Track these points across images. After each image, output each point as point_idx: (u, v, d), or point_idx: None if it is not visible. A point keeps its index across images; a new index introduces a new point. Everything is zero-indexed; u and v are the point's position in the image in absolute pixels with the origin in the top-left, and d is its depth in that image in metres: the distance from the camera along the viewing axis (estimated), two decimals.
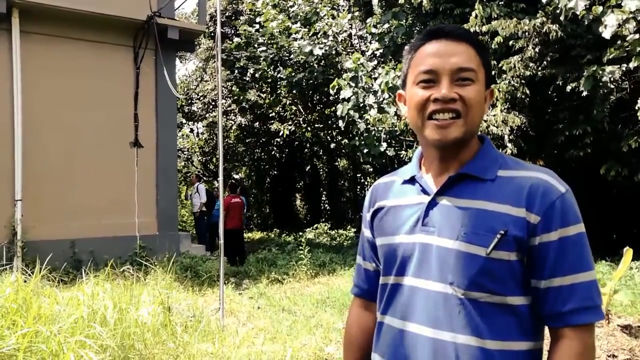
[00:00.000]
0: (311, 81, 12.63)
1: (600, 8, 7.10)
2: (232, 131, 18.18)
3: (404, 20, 10.37)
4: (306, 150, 18.28)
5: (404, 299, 1.22)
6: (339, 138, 15.06)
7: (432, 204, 1.20)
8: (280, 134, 15.00)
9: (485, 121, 8.31)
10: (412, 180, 1.28)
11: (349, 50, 12.62)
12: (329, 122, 14.31)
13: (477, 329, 1.11)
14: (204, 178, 17.97)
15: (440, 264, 1.15)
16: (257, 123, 17.42)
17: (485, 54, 1.21)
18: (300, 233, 14.47)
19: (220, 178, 5.75)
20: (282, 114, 16.02)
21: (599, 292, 1.13)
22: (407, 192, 1.28)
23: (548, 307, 1.11)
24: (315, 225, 15.94)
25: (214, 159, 19.37)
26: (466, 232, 1.13)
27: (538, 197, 1.11)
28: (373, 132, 9.80)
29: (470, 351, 1.11)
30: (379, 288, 1.31)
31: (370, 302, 1.41)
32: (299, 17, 12.75)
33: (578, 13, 7.51)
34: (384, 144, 9.72)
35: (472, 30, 8.63)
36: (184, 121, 20.68)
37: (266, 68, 13.48)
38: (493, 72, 8.72)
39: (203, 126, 20.78)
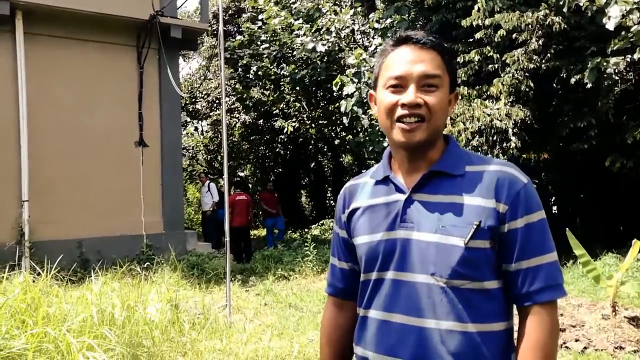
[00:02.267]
0: (314, 78, 12.62)
1: None
2: (236, 129, 18.20)
3: (407, 15, 10.33)
4: (310, 146, 18.27)
5: (387, 292, 1.28)
6: (343, 134, 15.05)
7: (408, 202, 1.28)
8: (285, 131, 15.00)
9: (489, 115, 8.29)
10: (385, 180, 1.35)
11: (352, 46, 12.59)
12: (333, 118, 14.30)
13: (459, 314, 1.20)
14: (210, 176, 18.01)
15: (420, 256, 1.23)
16: (261, 120, 17.43)
17: (451, 60, 1.30)
18: (306, 229, 14.52)
19: (225, 176, 5.76)
20: (285, 111, 16.01)
21: (561, 272, 1.24)
22: (382, 192, 1.35)
23: (518, 287, 1.21)
24: (321, 222, 15.94)
25: (219, 157, 19.41)
26: (444, 225, 1.21)
27: (505, 188, 1.21)
28: (377, 128, 9.79)
29: (454, 336, 1.19)
30: (360, 285, 1.36)
31: (344, 301, 1.47)
32: (301, 13, 12.74)
33: (581, 4, 7.48)
34: None
35: (474, 24, 8.61)
36: (188, 119, 20.70)
37: (269, 65, 13.48)
38: (496, 66, 8.73)
39: (207, 124, 20.81)
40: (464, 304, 1.20)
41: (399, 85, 1.25)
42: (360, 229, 1.36)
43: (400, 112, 1.24)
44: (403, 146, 1.28)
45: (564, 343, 4.54)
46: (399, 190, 1.31)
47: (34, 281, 4.47)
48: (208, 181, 12.71)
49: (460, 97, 8.71)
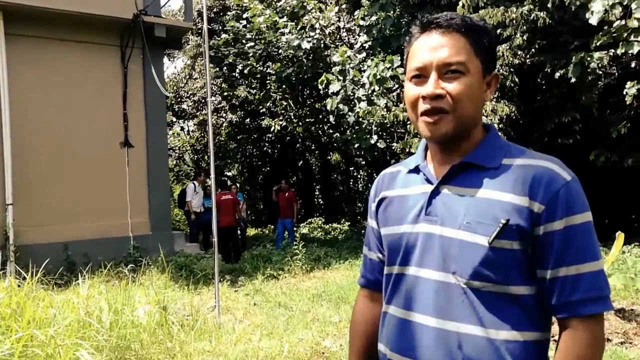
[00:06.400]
0: (300, 76, 12.60)
1: None
2: (223, 128, 18.12)
3: (392, 12, 10.34)
4: (298, 145, 18.25)
5: (407, 289, 1.22)
6: (331, 132, 15.04)
7: (435, 193, 1.20)
8: (272, 129, 14.95)
9: None
10: (416, 170, 1.29)
11: (337, 43, 12.58)
12: (320, 116, 14.29)
13: (481, 318, 1.11)
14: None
15: (443, 253, 1.16)
16: (247, 119, 17.37)
17: (480, 40, 1.18)
18: (295, 228, 14.49)
19: (212, 176, 5.73)
20: (272, 109, 15.97)
21: (607, 282, 1.11)
22: (412, 182, 1.28)
23: (555, 297, 1.10)
24: (309, 220, 15.96)
25: (206, 157, 19.30)
26: (468, 221, 1.13)
27: (542, 186, 1.10)
28: (364, 125, 9.79)
29: (474, 341, 1.11)
30: (384, 278, 1.31)
31: (376, 293, 1.41)
32: (286, 11, 12.69)
33: None
34: (375, 137, 9.71)
35: None
36: (174, 119, 20.58)
37: (255, 64, 13.42)
38: None
39: (194, 124, 20.70)
40: (487, 308, 1.11)
41: (421, 75, 1.17)
42: (386, 220, 1.31)
43: (422, 106, 1.16)
44: (429, 140, 1.22)
45: (552, 336, 4.58)
46: (428, 181, 1.24)
47: (19, 286, 4.41)
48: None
49: None
